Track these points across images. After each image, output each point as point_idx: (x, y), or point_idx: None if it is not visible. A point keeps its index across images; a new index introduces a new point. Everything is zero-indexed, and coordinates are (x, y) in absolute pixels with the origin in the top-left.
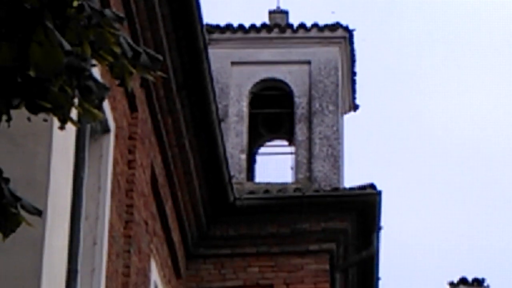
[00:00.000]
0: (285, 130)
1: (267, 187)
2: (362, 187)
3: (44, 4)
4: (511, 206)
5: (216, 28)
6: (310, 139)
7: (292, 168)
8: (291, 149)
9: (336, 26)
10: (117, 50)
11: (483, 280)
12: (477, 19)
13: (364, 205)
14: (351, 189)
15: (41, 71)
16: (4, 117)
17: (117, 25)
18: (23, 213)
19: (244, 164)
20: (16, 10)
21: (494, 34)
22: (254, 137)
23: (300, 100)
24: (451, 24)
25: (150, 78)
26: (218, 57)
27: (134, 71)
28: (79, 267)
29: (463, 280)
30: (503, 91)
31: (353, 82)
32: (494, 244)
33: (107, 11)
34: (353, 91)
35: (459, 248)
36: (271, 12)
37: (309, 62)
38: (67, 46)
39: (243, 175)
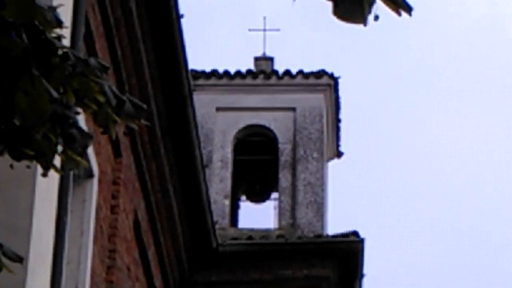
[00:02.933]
0: (269, 176)
1: (250, 233)
2: (345, 235)
3: (29, 53)
4: (495, 252)
5: (201, 74)
6: (294, 186)
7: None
8: (275, 195)
9: (321, 73)
10: (101, 98)
11: None
12: (463, 62)
13: (347, 253)
14: (334, 236)
15: (26, 119)
16: None
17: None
18: (4, 259)
19: (227, 210)
20: (1, 58)
21: (481, 76)
22: (238, 183)
23: (285, 147)
24: (438, 70)
25: (134, 126)
26: (203, 102)
27: (118, 119)
28: None
29: None
30: (491, 134)
31: (338, 129)
32: None
33: (91, 60)
34: (337, 138)
35: None
36: (256, 59)
37: (294, 109)
38: (55, 94)
39: (227, 221)
